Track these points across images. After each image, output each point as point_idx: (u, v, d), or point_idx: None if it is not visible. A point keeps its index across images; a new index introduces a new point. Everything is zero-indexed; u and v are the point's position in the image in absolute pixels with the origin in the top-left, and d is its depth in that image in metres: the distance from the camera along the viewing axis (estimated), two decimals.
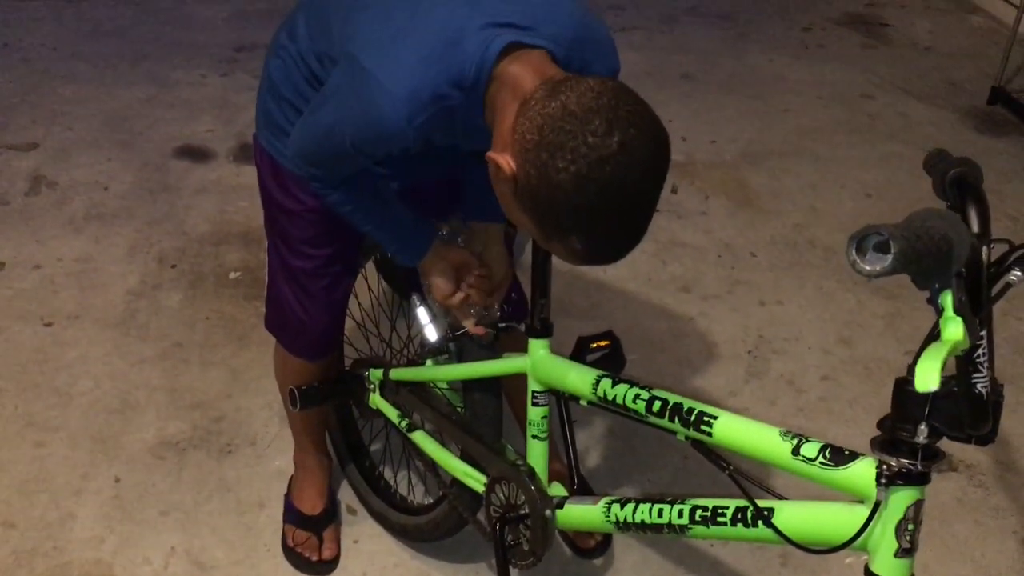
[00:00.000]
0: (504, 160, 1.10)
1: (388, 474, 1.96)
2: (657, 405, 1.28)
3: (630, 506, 1.35)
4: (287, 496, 1.92)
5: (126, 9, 4.09)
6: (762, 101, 3.65)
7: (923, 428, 1.04)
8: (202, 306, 2.48)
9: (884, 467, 1.05)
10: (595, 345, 1.46)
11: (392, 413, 1.73)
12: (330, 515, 1.89)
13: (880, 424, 1.08)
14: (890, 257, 0.94)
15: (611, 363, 1.45)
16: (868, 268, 0.96)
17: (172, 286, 2.55)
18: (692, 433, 1.24)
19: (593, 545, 1.87)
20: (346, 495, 1.99)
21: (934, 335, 1.04)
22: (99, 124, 3.29)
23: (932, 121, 3.55)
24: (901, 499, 1.06)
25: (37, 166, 3.04)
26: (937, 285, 1.02)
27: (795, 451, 1.14)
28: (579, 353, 1.45)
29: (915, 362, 1.04)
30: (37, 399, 2.19)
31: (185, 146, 3.19)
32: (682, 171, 3.16)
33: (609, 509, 1.37)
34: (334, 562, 1.84)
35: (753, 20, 4.30)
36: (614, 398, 1.33)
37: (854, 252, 0.96)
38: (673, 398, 1.27)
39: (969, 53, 4.10)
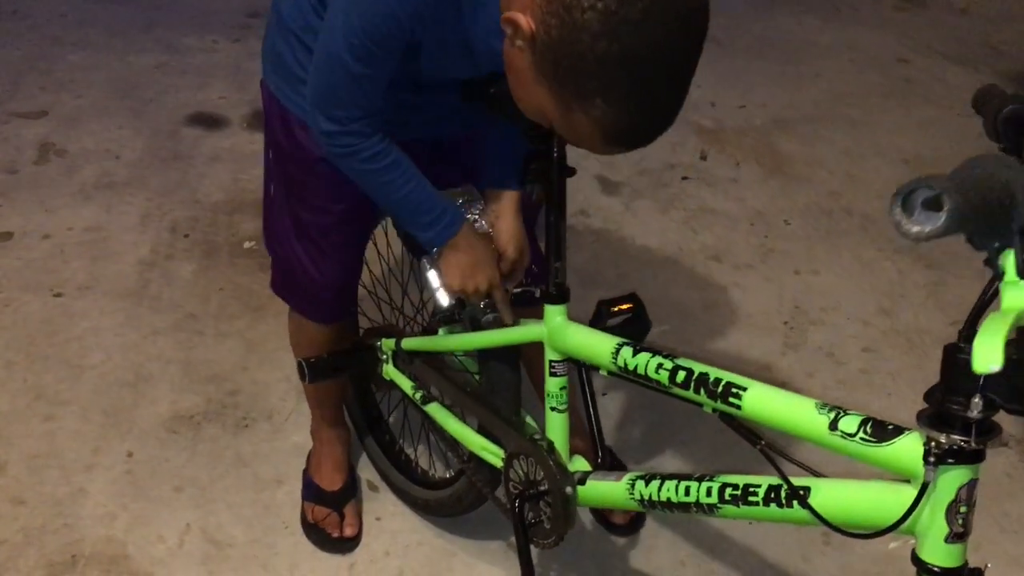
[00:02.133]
0: (523, 16, 0.99)
1: (408, 447, 1.89)
2: (681, 375, 1.19)
3: (655, 483, 1.26)
4: (306, 472, 1.86)
5: None
6: (793, 65, 3.54)
7: (977, 401, 0.92)
8: (216, 276, 2.41)
9: (933, 444, 0.95)
10: (616, 308, 1.37)
11: (406, 385, 1.66)
12: (350, 491, 1.83)
13: (927, 396, 0.97)
14: (943, 215, 0.81)
15: (635, 327, 1.36)
16: (916, 229, 0.82)
17: (185, 256, 2.48)
18: (720, 405, 1.15)
19: (624, 521, 1.79)
20: (367, 471, 1.92)
21: (986, 300, 0.94)
22: (109, 91, 3.21)
23: (970, 85, 3.39)
24: (952, 479, 0.96)
25: (46, 134, 2.97)
26: (997, 244, 0.90)
27: (832, 425, 1.04)
28: (599, 318, 1.36)
29: (968, 328, 0.93)
30: (47, 371, 2.13)
31: (197, 113, 3.11)
32: (712, 137, 3.06)
33: (633, 486, 1.29)
34: (356, 539, 1.78)
35: None
36: (635, 367, 1.24)
37: (899, 210, 0.83)
38: (699, 367, 1.18)
39: (1008, 16, 3.97)
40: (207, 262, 2.46)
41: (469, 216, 1.41)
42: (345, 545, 1.76)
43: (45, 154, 2.88)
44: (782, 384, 2.10)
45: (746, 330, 2.32)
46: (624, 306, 1.36)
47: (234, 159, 2.89)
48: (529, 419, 1.48)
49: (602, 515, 1.80)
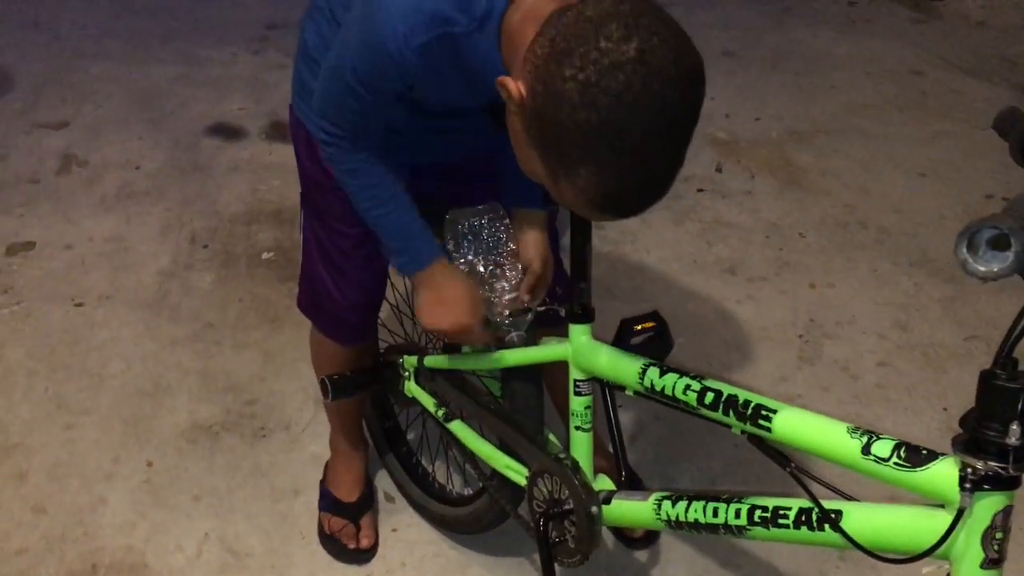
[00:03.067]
0: (514, 84, 1.00)
1: (426, 462, 1.89)
2: (710, 397, 1.19)
3: (682, 503, 1.26)
4: (323, 483, 1.86)
5: None
6: (807, 77, 3.53)
7: (1015, 428, 0.92)
8: (235, 287, 2.43)
9: (969, 470, 0.95)
10: (639, 327, 1.37)
11: (428, 402, 1.66)
12: (367, 502, 1.84)
13: (963, 421, 0.97)
14: (1011, 255, 0.82)
15: (657, 346, 1.36)
16: (984, 269, 0.84)
17: (204, 266, 2.50)
18: (749, 428, 1.15)
19: (641, 534, 1.79)
20: (383, 482, 1.92)
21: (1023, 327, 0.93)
22: (130, 103, 3.25)
23: (986, 98, 3.42)
24: (988, 505, 0.96)
25: (68, 145, 3.00)
26: None
27: (865, 449, 1.03)
28: (623, 336, 1.36)
29: (1003, 354, 0.93)
30: (68, 381, 2.15)
31: (217, 124, 3.14)
32: (726, 149, 3.06)
33: (660, 506, 1.29)
34: (372, 550, 1.78)
35: None
36: (662, 388, 1.24)
37: (964, 250, 0.84)
38: (728, 389, 1.18)
39: (1023, 28, 3.95)
40: (225, 273, 2.48)
41: (492, 234, 1.42)
42: (361, 556, 1.77)
43: (67, 165, 2.91)
44: (796, 398, 2.11)
45: (761, 343, 2.31)
46: (647, 324, 1.36)
47: (252, 170, 2.91)
48: (552, 437, 1.48)
49: (619, 529, 1.80)
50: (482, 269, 1.43)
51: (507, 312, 1.43)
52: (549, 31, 0.96)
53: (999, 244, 0.83)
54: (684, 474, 1.96)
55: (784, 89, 3.45)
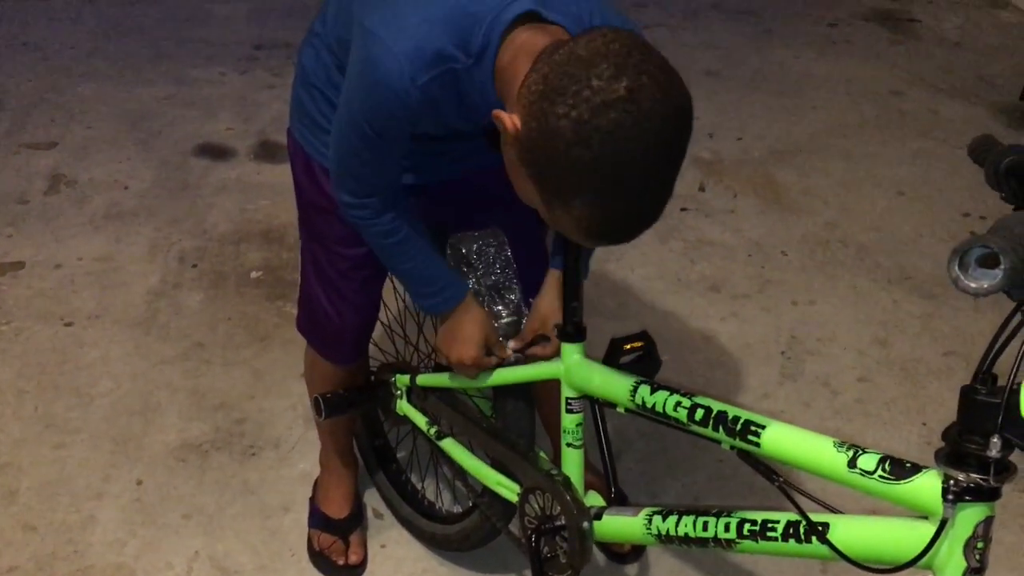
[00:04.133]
0: (509, 118, 1.04)
1: (416, 480, 1.92)
2: (700, 413, 1.22)
3: (672, 518, 1.29)
4: (312, 500, 1.89)
5: (145, 7, 4.08)
6: (789, 98, 3.59)
7: (996, 441, 0.96)
8: (223, 306, 2.45)
9: (951, 482, 0.99)
10: (629, 347, 1.41)
11: (420, 420, 1.69)
12: (356, 519, 1.86)
13: (945, 435, 1.01)
14: (1000, 272, 0.86)
15: (646, 364, 1.40)
16: (975, 286, 0.87)
17: (193, 286, 2.52)
18: (738, 443, 1.18)
19: (628, 550, 1.82)
20: (372, 499, 1.94)
21: (1002, 344, 0.97)
22: (118, 123, 3.27)
23: (964, 118, 3.48)
24: (970, 516, 0.99)
25: (56, 165, 3.02)
26: None
27: (851, 463, 1.07)
28: (613, 355, 1.40)
29: (983, 370, 0.97)
30: (57, 400, 2.16)
31: (205, 144, 3.17)
32: (709, 169, 3.11)
33: (651, 521, 1.32)
34: (361, 567, 1.81)
35: (778, 16, 4.24)
36: (653, 405, 1.28)
37: (956, 268, 0.88)
38: (717, 406, 1.21)
39: (1000, 48, 4.03)
40: (215, 292, 2.50)
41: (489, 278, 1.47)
42: (351, 572, 1.79)
43: (55, 184, 2.93)
44: (778, 413, 2.15)
45: (744, 360, 2.35)
46: (637, 344, 1.40)
47: (241, 189, 2.94)
48: (543, 454, 1.51)
49: (606, 545, 1.83)
50: (484, 292, 1.46)
51: (503, 336, 1.47)
52: (542, 68, 1.00)
53: (988, 262, 0.87)
54: (669, 489, 1.99)
55: (766, 109, 3.50)
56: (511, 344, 1.48)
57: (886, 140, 3.34)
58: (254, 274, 2.57)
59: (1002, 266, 0.86)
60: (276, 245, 2.67)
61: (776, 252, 2.75)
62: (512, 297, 1.49)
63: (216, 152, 3.13)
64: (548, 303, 1.45)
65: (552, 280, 1.46)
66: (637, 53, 0.97)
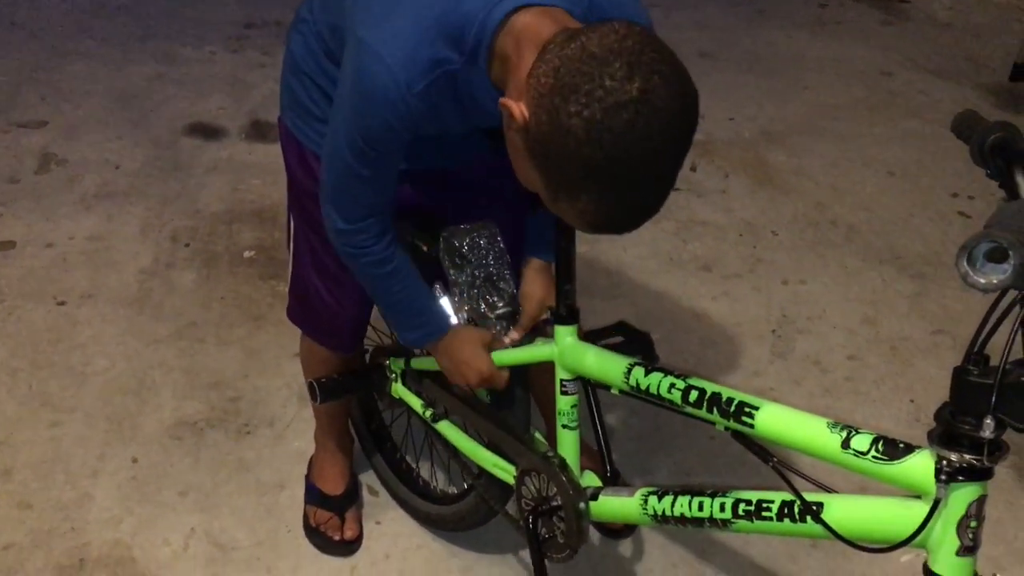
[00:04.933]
0: (517, 107, 1.04)
1: (412, 460, 1.93)
2: (694, 395, 1.23)
3: (668, 498, 1.30)
4: (308, 477, 1.90)
5: None
6: (780, 79, 3.60)
7: (990, 422, 0.96)
8: (216, 285, 2.45)
9: (944, 462, 1.00)
10: (603, 343, 1.42)
11: (415, 403, 1.69)
12: (352, 495, 1.87)
13: (937, 415, 1.01)
14: (1009, 267, 0.85)
15: (642, 356, 1.41)
16: (984, 281, 0.87)
17: (185, 265, 2.52)
18: (732, 424, 1.19)
19: (622, 526, 1.84)
20: (367, 477, 1.96)
21: (994, 325, 0.96)
22: (108, 102, 3.25)
23: (953, 98, 3.50)
24: (963, 496, 1.00)
25: (46, 144, 3.01)
26: None
27: (845, 444, 1.08)
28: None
29: (975, 351, 0.97)
30: (52, 378, 2.16)
31: (196, 124, 3.16)
32: (701, 149, 3.12)
33: (647, 501, 1.33)
34: (357, 542, 1.82)
35: None
36: (647, 387, 1.28)
37: (965, 264, 0.87)
38: (711, 387, 1.22)
39: (990, 30, 4.04)
40: (207, 271, 2.50)
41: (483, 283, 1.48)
42: (347, 548, 1.81)
43: (46, 164, 2.92)
44: (769, 391, 2.17)
45: (735, 338, 2.37)
46: (613, 339, 1.42)
47: (232, 169, 2.93)
48: (539, 436, 1.52)
49: (600, 523, 1.85)
50: (479, 284, 1.47)
51: (499, 327, 1.48)
52: (552, 60, 1.00)
53: (996, 256, 0.86)
54: (661, 467, 2.01)
55: (758, 90, 3.51)
56: (511, 335, 1.49)
57: (876, 121, 3.35)
58: (247, 253, 2.57)
59: (1011, 261, 0.85)
60: (269, 224, 2.67)
61: (767, 232, 2.76)
62: (505, 287, 1.50)
63: (207, 132, 3.12)
64: (543, 287, 1.46)
65: (540, 267, 1.47)
66: (650, 51, 0.98)
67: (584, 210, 1.03)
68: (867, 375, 2.27)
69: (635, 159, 0.97)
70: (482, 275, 1.48)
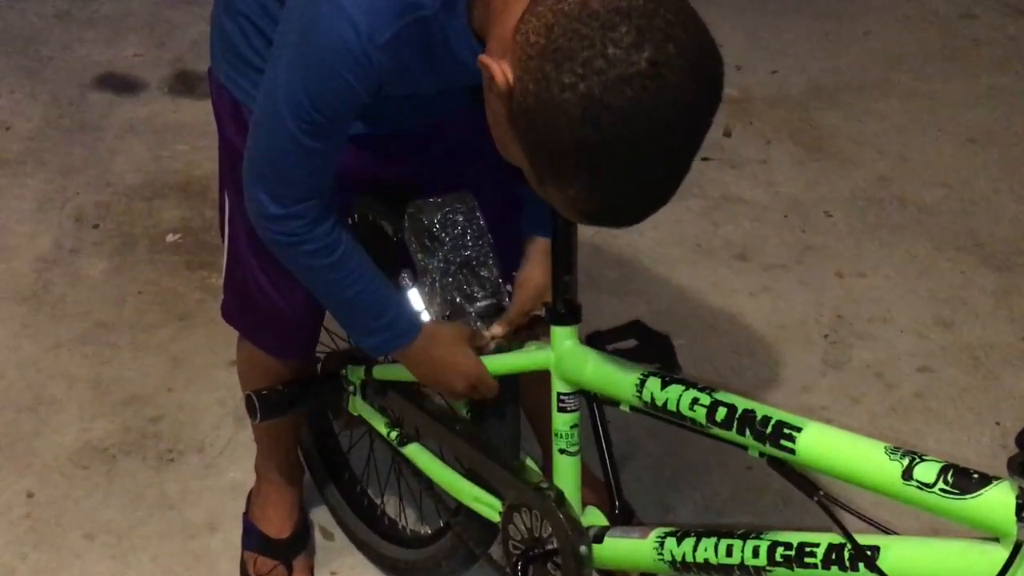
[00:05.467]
0: (499, 67, 1.04)
1: (374, 494, 1.93)
2: (722, 413, 1.23)
3: (689, 541, 1.30)
4: (246, 516, 1.90)
5: None
6: (836, 22, 3.61)
7: None
8: (133, 276, 2.45)
9: None
10: (611, 348, 1.41)
11: (379, 422, 1.69)
12: (301, 539, 1.88)
13: (1020, 440, 1.01)
14: None
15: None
16: None
17: (94, 251, 2.52)
18: (769, 449, 1.19)
19: None
20: (320, 516, 1.96)
21: None
22: None
23: None
24: None
25: None
26: None
27: (907, 474, 1.08)
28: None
29: None
30: None
31: (107, 74, 3.15)
32: (737, 109, 3.13)
33: (663, 544, 1.33)
34: None
35: None
36: (665, 403, 1.28)
37: None
38: (743, 403, 1.22)
39: None
40: (121, 259, 2.50)
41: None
42: None
43: None
44: (819, 411, 2.18)
45: (778, 345, 2.38)
46: (625, 342, 1.41)
47: (153, 131, 2.93)
48: (530, 462, 1.52)
49: (607, 572, 1.85)
50: (453, 271, 1.47)
51: (479, 323, 1.48)
52: (545, 14, 1.00)
53: None
54: (684, 503, 2.02)
55: (807, 36, 3.52)
56: (494, 329, 1.49)
57: (954, 75, 3.36)
58: (170, 237, 2.57)
59: None
60: (198, 200, 2.67)
61: (818, 212, 2.77)
62: (487, 274, 1.50)
63: (121, 84, 3.11)
64: (546, 272, 1.46)
65: (544, 247, 1.47)
66: (665, 11, 0.98)
67: (576, 198, 1.04)
68: (942, 391, 2.28)
69: (639, 143, 0.98)
70: (458, 259, 1.48)
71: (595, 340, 1.42)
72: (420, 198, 1.47)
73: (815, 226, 2.73)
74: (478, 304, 1.50)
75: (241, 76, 1.44)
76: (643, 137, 0.98)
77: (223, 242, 1.63)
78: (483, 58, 1.06)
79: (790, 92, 3.25)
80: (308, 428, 1.92)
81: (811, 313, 2.47)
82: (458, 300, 1.48)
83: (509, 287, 1.52)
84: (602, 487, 1.48)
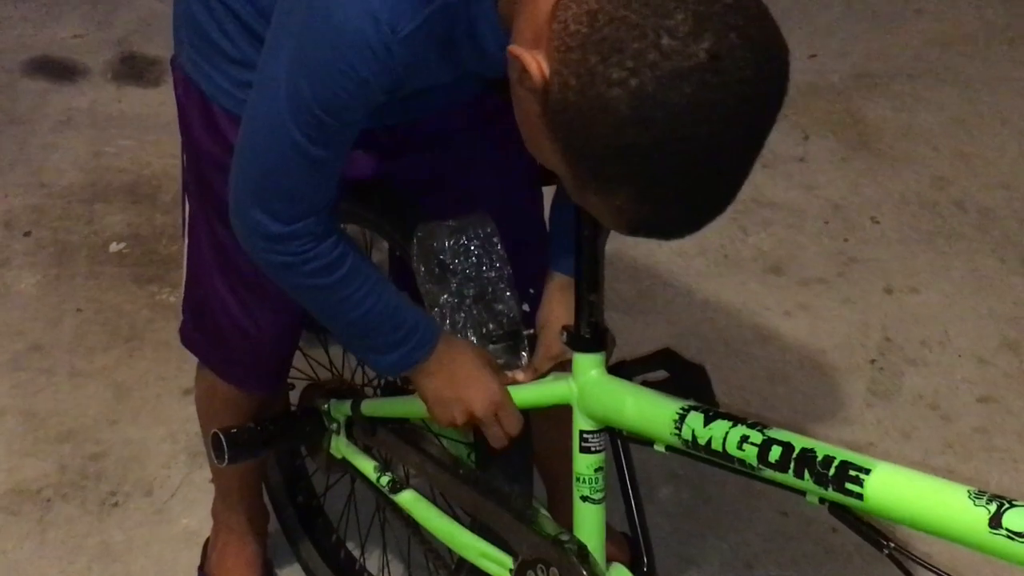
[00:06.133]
0: (533, 59, 1.04)
1: (353, 546, 1.93)
2: (776, 452, 1.21)
3: None
4: (201, 570, 1.91)
5: None
6: None
7: None
8: (70, 292, 2.46)
9: None
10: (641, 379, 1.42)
11: (367, 466, 1.69)
12: None
13: None
14: None
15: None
16: None
17: (25, 263, 2.53)
18: (832, 495, 1.17)
19: None
20: (289, 572, 1.96)
21: None
22: None
23: None
24: None
25: None
26: None
27: (994, 521, 1.06)
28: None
29: None
30: None
31: (42, 58, 3.16)
32: None
33: None
34: None
35: None
36: (708, 441, 1.26)
37: None
38: (800, 441, 1.20)
39: None
40: (57, 271, 2.51)
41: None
42: None
43: None
44: (866, 448, 2.19)
45: (817, 371, 2.39)
46: (654, 373, 1.41)
47: (94, 124, 2.94)
48: (544, 511, 1.52)
49: None
50: (467, 306, 1.48)
51: (498, 358, 1.49)
52: (588, 0, 1.00)
53: None
54: (711, 553, 2.02)
55: (851, 14, 3.54)
56: (517, 375, 1.48)
57: (1020, 60, 3.38)
58: (115, 246, 2.58)
59: None
60: (146, 205, 2.68)
61: (864, 218, 2.78)
62: (504, 308, 1.50)
63: (58, 70, 3.13)
64: (565, 313, 1.45)
65: (567, 285, 1.47)
66: None
67: (623, 208, 1.05)
68: (1007, 425, 2.29)
69: (697, 148, 0.99)
70: (472, 291, 1.48)
71: (620, 371, 1.42)
72: (432, 220, 1.47)
73: (860, 234, 2.74)
74: (495, 343, 1.50)
75: (212, 67, 1.44)
76: (702, 139, 0.98)
77: (183, 254, 1.63)
78: (514, 48, 1.07)
79: (831, 79, 3.26)
80: (277, 468, 1.92)
81: (855, 335, 2.47)
82: (473, 340, 1.49)
83: (526, 306, 1.52)
84: (623, 540, 1.49)
